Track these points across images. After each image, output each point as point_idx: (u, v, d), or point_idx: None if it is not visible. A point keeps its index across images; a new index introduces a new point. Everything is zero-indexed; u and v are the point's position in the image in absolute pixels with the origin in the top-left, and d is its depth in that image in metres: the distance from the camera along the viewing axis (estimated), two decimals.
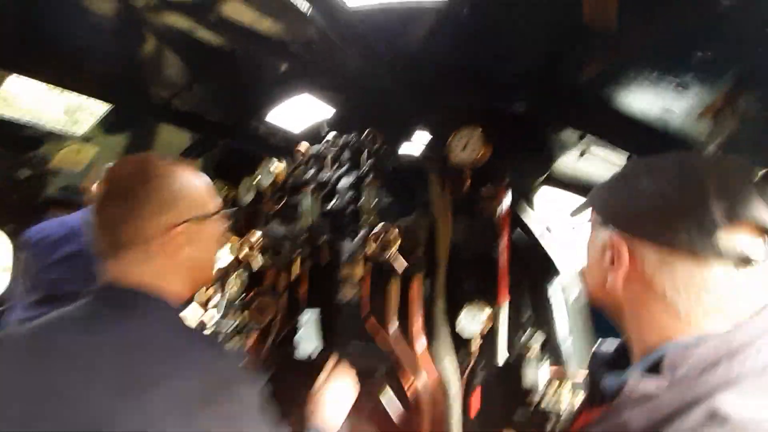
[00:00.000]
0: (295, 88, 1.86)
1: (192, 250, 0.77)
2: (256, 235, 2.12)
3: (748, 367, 0.44)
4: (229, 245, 2.46)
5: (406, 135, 1.88)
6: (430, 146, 1.80)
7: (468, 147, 1.62)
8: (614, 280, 0.56)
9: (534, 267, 1.65)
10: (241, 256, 2.28)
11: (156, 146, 2.18)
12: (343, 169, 1.97)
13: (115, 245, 0.74)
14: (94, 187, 1.02)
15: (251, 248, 2.28)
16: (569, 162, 1.68)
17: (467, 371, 1.57)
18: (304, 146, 2.11)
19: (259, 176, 2.24)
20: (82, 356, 0.64)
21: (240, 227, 2.47)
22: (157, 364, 0.64)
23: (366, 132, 1.88)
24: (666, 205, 0.52)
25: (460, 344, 1.59)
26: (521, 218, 1.68)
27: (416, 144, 1.91)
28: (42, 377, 0.64)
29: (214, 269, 0.98)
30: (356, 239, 1.83)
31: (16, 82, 1.52)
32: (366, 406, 1.74)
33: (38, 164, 1.90)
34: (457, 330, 1.57)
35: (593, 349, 0.71)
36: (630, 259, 0.55)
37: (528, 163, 1.69)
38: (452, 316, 1.60)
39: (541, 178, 1.63)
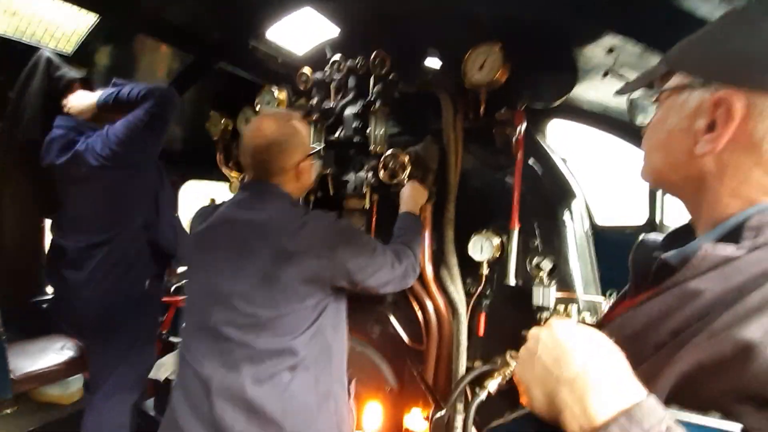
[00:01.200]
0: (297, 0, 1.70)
1: (306, 177, 1.34)
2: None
3: None
4: (231, 179, 2.41)
5: (417, 57, 1.76)
6: (443, 68, 1.68)
7: (486, 66, 1.51)
8: (711, 145, 0.50)
9: (547, 195, 1.63)
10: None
11: (145, 66, 2.04)
12: (349, 96, 1.87)
13: (264, 175, 1.27)
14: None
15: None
16: (591, 85, 1.59)
17: (476, 295, 1.60)
18: (306, 71, 1.98)
19: (259, 105, 2.13)
20: (253, 221, 1.19)
21: (240, 161, 2.40)
22: (295, 222, 1.19)
23: (373, 54, 1.75)
24: None
25: (470, 269, 1.61)
26: (537, 144, 1.63)
27: (428, 66, 1.79)
28: (235, 236, 1.19)
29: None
30: (365, 168, 1.78)
31: None
32: (375, 331, 1.80)
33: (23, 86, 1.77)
34: (469, 255, 1.57)
35: (640, 238, 0.68)
36: (743, 117, 0.48)
37: (548, 82, 1.59)
38: (462, 243, 1.60)
39: (562, 99, 1.54)
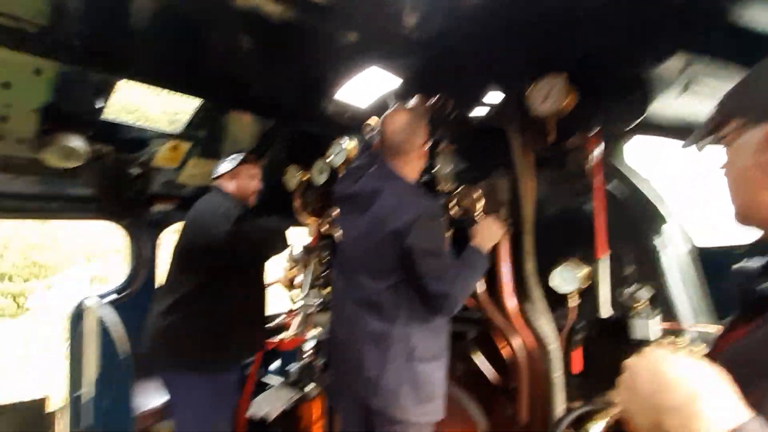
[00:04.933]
0: (362, 62, 1.88)
1: (424, 160, 1.62)
2: (337, 211, 2.19)
3: None
4: (307, 225, 2.59)
5: (479, 95, 1.82)
6: (505, 102, 1.72)
7: (550, 97, 1.52)
8: None
9: (634, 218, 1.54)
10: (323, 230, 2.39)
11: (233, 134, 2.33)
12: None
13: (393, 155, 1.55)
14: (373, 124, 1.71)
15: (331, 224, 2.38)
16: (668, 101, 1.52)
17: (566, 329, 1.51)
18: (371, 122, 2.13)
19: (332, 156, 2.31)
20: (385, 192, 1.48)
21: (316, 207, 2.59)
22: (410, 196, 1.46)
23: (436, 98, 1.84)
24: None
25: (556, 302, 1.54)
26: (616, 167, 1.56)
27: (490, 103, 1.84)
28: (373, 204, 1.49)
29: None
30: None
31: (124, 87, 1.70)
32: (459, 368, 1.76)
33: (144, 163, 2.13)
34: (551, 287, 1.52)
35: (736, 266, 0.68)
36: None
37: (620, 105, 1.55)
38: (544, 275, 1.55)
39: (636, 122, 1.49)
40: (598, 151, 1.50)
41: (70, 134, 1.81)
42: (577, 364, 1.50)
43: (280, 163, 2.61)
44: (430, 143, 1.62)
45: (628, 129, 1.54)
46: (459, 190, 1.69)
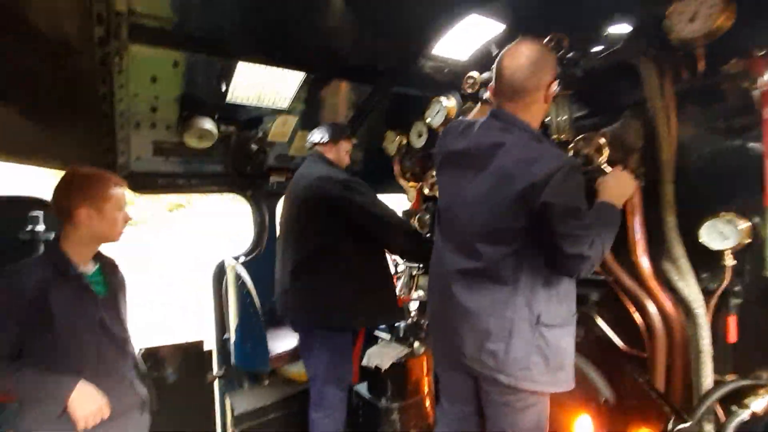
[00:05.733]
0: (459, 10, 1.75)
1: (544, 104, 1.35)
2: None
3: None
4: (408, 190, 2.61)
5: (601, 27, 1.57)
6: (638, 29, 1.46)
7: (699, 15, 1.25)
8: None
9: None
10: (426, 193, 2.40)
11: (333, 105, 2.42)
12: None
13: (514, 98, 1.32)
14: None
15: (431, 187, 2.37)
16: None
17: (718, 292, 1.30)
18: (474, 74, 2.01)
19: (431, 116, 2.25)
20: (507, 144, 1.28)
21: (416, 171, 2.58)
22: (541, 146, 1.27)
23: (547, 38, 1.65)
24: None
25: (706, 262, 1.32)
26: None
27: (614, 35, 1.58)
28: (493, 159, 1.30)
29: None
30: None
31: (243, 70, 1.88)
32: (580, 334, 1.64)
33: (261, 139, 2.34)
34: (700, 244, 1.30)
35: None
36: None
37: None
38: (690, 231, 1.33)
39: None
40: (766, 75, 1.20)
41: (202, 118, 2.06)
42: (732, 333, 1.29)
43: (378, 129, 2.64)
44: (558, 82, 1.35)
45: None
46: (579, 138, 1.51)
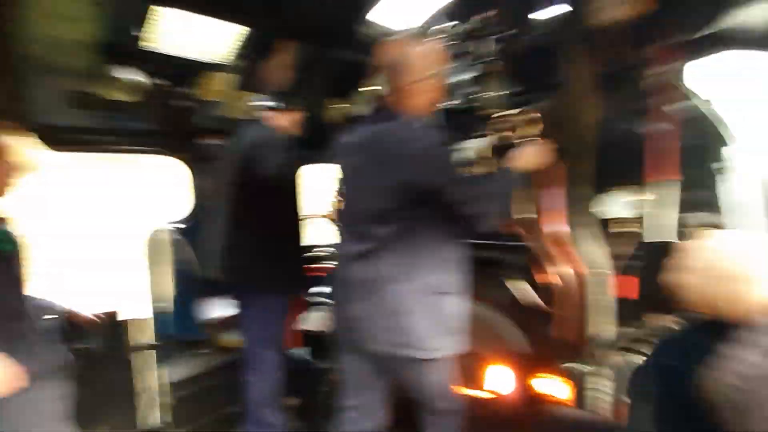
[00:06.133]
0: None
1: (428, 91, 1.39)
2: None
3: None
4: None
5: (532, 7, 1.65)
6: (566, 13, 1.55)
7: (620, 1, 1.36)
8: None
9: (699, 143, 1.42)
10: None
11: (280, 65, 2.30)
12: (467, 61, 1.85)
13: (395, 82, 1.37)
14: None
15: None
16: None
17: (622, 255, 1.49)
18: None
19: (375, 86, 2.24)
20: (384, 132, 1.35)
21: None
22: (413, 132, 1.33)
23: (487, 14, 1.70)
24: None
25: (613, 229, 1.50)
26: (681, 86, 1.42)
27: (546, 15, 1.67)
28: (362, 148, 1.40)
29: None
30: (480, 133, 1.76)
31: (172, 15, 1.71)
32: (495, 293, 1.80)
33: (195, 97, 2.19)
34: (604, 214, 1.47)
35: None
36: None
37: (696, 13, 1.36)
38: (603, 201, 1.49)
39: (714, 30, 1.31)
40: (670, 66, 1.35)
41: (128, 68, 1.88)
42: (632, 291, 1.49)
43: (322, 96, 2.58)
44: (446, 73, 1.44)
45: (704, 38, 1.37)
46: (507, 114, 1.61)
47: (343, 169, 1.54)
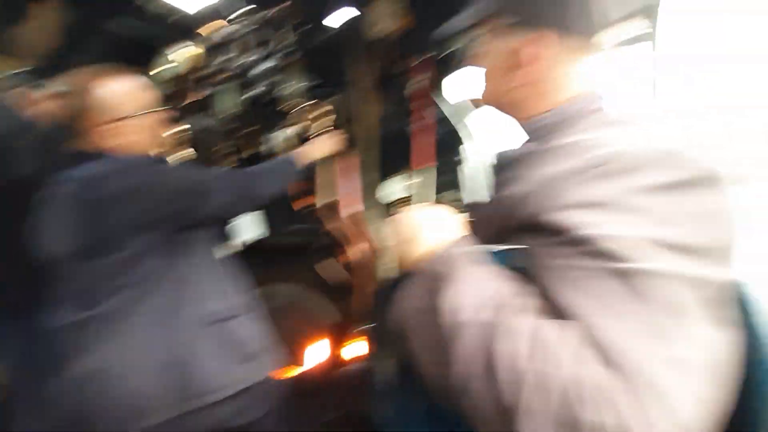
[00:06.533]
0: None
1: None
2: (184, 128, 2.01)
3: None
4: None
5: (332, 6, 1.78)
6: (354, 18, 1.74)
7: (388, 15, 1.61)
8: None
9: (452, 138, 1.83)
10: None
11: (33, 29, 1.83)
12: (262, 51, 1.86)
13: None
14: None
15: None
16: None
17: None
18: (216, 26, 1.92)
19: (162, 68, 2.02)
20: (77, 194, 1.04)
21: None
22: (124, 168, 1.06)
23: (285, 5, 1.75)
24: None
25: (391, 210, 1.79)
26: (433, 94, 1.79)
27: (336, 20, 1.84)
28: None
29: None
30: (281, 124, 1.83)
31: None
32: (308, 276, 1.95)
33: None
34: (383, 197, 1.75)
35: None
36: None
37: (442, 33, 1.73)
38: (383, 186, 1.77)
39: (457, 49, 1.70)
40: (422, 77, 1.68)
41: None
42: None
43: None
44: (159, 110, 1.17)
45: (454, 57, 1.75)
46: (300, 107, 1.72)
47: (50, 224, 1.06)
